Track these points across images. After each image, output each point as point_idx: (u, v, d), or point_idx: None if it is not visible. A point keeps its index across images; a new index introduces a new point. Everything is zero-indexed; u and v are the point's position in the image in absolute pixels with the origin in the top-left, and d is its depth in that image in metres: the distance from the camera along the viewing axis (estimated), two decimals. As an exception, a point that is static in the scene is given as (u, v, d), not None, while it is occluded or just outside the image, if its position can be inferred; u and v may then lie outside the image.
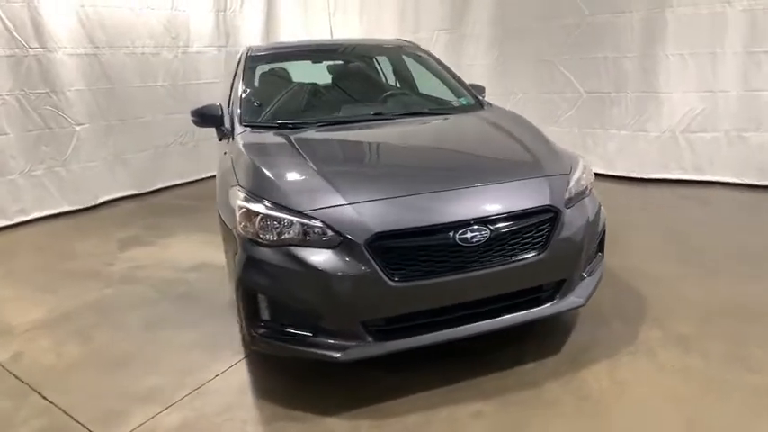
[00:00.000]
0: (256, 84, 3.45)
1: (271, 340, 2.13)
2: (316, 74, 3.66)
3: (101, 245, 4.30)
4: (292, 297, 2.03)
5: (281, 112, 3.12)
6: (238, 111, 3.06)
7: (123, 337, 2.86)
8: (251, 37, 6.79)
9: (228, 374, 2.42)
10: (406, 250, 2.00)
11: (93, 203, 5.30)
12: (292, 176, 2.31)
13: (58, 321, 3.06)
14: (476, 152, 2.65)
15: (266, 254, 2.05)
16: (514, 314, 2.18)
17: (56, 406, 2.27)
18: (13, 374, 2.54)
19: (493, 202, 2.13)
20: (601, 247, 2.51)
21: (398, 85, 3.79)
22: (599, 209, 2.44)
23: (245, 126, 2.91)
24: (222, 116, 3.18)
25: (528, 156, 2.46)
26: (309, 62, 3.74)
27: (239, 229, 2.14)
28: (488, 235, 2.04)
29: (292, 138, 2.69)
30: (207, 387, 2.33)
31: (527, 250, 2.13)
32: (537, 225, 2.15)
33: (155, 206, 5.42)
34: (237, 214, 2.17)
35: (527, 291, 2.20)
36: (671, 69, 4.70)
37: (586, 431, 1.95)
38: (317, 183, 2.20)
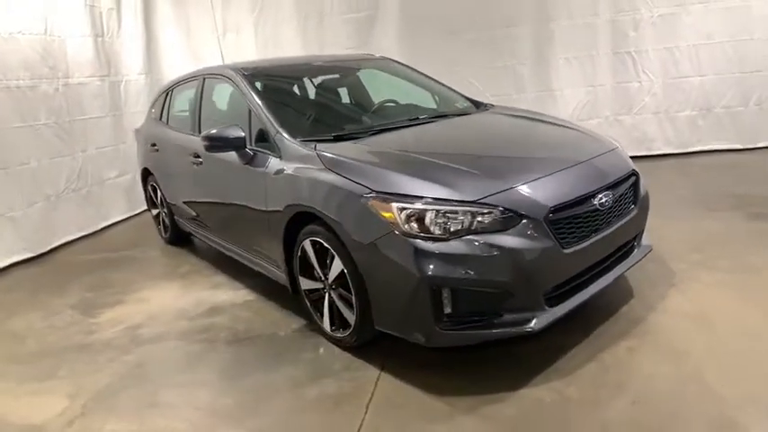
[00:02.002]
0: (276, 100, 3.29)
1: (456, 332, 2.17)
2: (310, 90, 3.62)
3: (49, 318, 3.51)
4: (483, 283, 2.10)
5: (323, 124, 3.03)
6: (278, 127, 2.90)
7: (218, 391, 2.49)
8: (133, 66, 6.13)
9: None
10: (568, 219, 2.24)
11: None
12: (432, 173, 2.33)
13: (99, 403, 2.49)
14: (549, 137, 2.98)
15: (449, 247, 2.09)
16: (624, 262, 2.58)
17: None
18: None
19: (604, 172, 2.50)
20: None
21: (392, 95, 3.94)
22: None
23: (302, 141, 2.80)
24: (245, 138, 2.98)
25: (587, 136, 2.91)
26: (305, 78, 3.66)
27: (404, 230, 2.14)
28: (612, 198, 2.41)
29: (373, 143, 2.72)
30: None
31: (630, 207, 2.57)
32: (630, 186, 2.60)
33: (72, 266, 4.55)
34: (399, 217, 2.16)
35: (629, 242, 2.64)
36: (560, 71, 5.71)
37: (712, 335, 2.43)
38: (464, 174, 2.30)
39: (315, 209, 2.51)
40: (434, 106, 3.64)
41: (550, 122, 3.17)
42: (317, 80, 3.69)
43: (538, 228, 2.15)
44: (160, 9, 6.53)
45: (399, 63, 4.07)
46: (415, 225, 2.14)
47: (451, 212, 2.13)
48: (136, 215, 6.02)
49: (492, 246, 2.10)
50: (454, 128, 3.12)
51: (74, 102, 5.31)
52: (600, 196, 2.35)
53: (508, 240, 2.11)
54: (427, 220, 2.13)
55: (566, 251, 2.20)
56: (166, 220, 4.66)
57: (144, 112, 6.15)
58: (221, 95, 3.81)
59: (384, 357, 2.55)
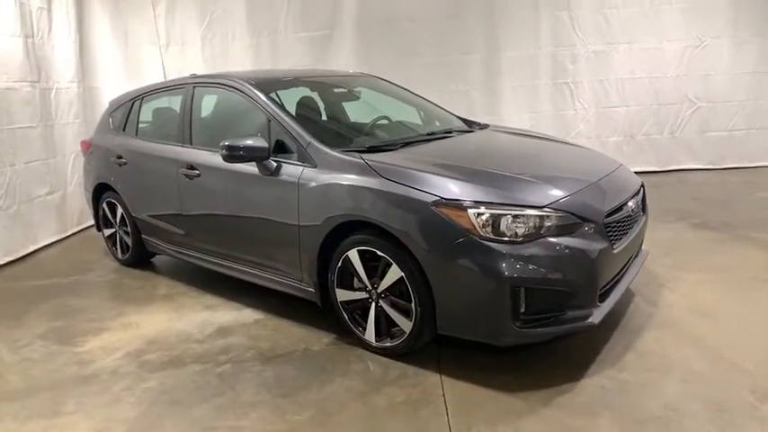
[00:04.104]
0: (298, 112, 3.22)
1: (530, 329, 2.29)
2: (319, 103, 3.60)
3: (19, 351, 3.06)
4: (555, 282, 2.24)
5: (348, 135, 3.03)
6: (311, 138, 2.87)
7: (279, 409, 2.33)
8: (65, 73, 5.57)
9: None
10: (614, 223, 2.48)
11: None
12: (495, 181, 2.46)
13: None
14: (567, 153, 3.23)
15: (526, 250, 2.22)
16: (635, 263, 2.89)
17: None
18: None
19: (627, 182, 2.81)
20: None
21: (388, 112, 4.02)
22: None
23: (343, 151, 2.79)
24: (268, 148, 2.91)
25: (595, 152, 3.24)
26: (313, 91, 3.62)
27: (481, 234, 2.23)
28: (635, 205, 2.72)
29: (414, 154, 2.81)
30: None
31: (641, 214, 2.90)
32: (642, 197, 2.94)
33: (16, 294, 3.99)
34: (476, 222, 2.25)
35: (640, 245, 2.97)
36: (507, 97, 6.20)
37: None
38: (525, 182, 2.46)
39: (370, 218, 2.51)
40: (443, 123, 3.77)
41: (555, 140, 3.47)
42: (323, 93, 3.68)
43: (597, 230, 2.36)
44: (94, 12, 6.03)
45: (386, 81, 4.18)
46: (491, 230, 2.25)
47: (524, 217, 2.27)
48: (66, 237, 5.42)
49: (563, 247, 2.27)
50: (475, 142, 3.29)
51: (2, 109, 4.71)
52: (630, 203, 2.65)
53: (575, 242, 2.30)
54: (503, 225, 2.25)
55: (614, 251, 2.44)
56: (126, 240, 4.28)
57: (75, 123, 5.63)
58: (220, 105, 3.65)
59: (434, 363, 2.59)
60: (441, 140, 3.18)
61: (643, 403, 2.21)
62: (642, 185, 2.99)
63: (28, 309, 3.63)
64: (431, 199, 2.36)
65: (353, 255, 2.64)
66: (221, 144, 2.94)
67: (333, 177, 2.69)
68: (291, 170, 2.87)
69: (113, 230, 4.41)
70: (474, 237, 2.25)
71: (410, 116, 3.83)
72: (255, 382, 2.58)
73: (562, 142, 3.48)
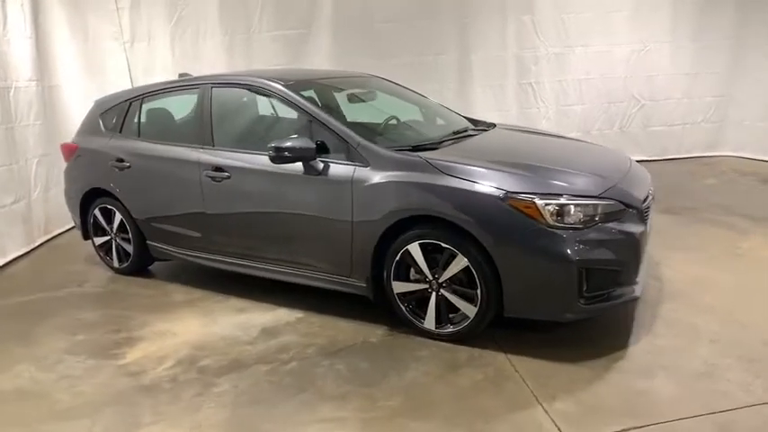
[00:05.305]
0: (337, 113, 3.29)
1: (591, 306, 2.57)
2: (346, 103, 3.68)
3: (51, 368, 2.93)
4: (612, 262, 2.54)
5: (390, 135, 3.16)
6: (360, 138, 2.98)
7: (369, 397, 2.45)
8: (22, 70, 5.16)
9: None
10: (644, 209, 2.83)
11: None
12: (551, 174, 2.72)
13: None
14: (587, 149, 3.57)
15: (589, 235, 2.50)
16: None
17: None
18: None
19: (644, 174, 3.17)
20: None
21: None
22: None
23: (398, 150, 2.93)
24: (315, 149, 2.99)
25: (608, 148, 3.62)
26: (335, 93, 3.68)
27: (550, 223, 2.48)
28: (652, 192, 3.10)
29: (460, 151, 3.03)
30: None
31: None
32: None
33: (9, 311, 3.74)
34: (544, 212, 2.49)
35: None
36: (478, 96, 6.54)
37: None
38: (575, 174, 2.75)
39: (439, 212, 2.68)
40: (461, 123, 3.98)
41: (566, 138, 3.83)
42: (345, 94, 3.76)
43: (638, 216, 2.70)
44: (51, 5, 5.61)
45: (389, 81, 4.33)
46: (557, 218, 2.50)
47: (584, 206, 2.55)
48: (34, 249, 5.05)
49: (615, 231, 2.58)
50: (504, 140, 3.55)
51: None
52: (650, 192, 3.02)
53: (623, 226, 2.61)
54: (567, 214, 2.51)
55: (647, 234, 2.80)
56: (125, 248, 4.10)
57: (37, 125, 5.24)
58: (244, 106, 3.62)
59: (493, 344, 2.81)
60: (471, 139, 3.39)
61: (686, 363, 2.57)
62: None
63: (32, 326, 3.42)
64: (499, 193, 2.57)
65: (414, 248, 2.79)
66: (269, 145, 2.97)
67: (391, 175, 2.82)
68: (342, 169, 2.97)
69: (107, 238, 4.20)
70: (542, 225, 2.50)
71: (419, 116, 4.02)
72: (331, 375, 2.66)
73: (573, 139, 3.83)
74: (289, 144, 2.94)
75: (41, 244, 5.17)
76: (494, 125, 3.96)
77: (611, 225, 2.58)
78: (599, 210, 2.57)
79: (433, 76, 6.38)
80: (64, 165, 5.53)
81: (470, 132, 3.55)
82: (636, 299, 2.69)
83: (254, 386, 2.63)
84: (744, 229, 4.33)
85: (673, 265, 3.72)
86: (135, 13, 5.89)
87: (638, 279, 2.76)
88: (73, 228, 5.56)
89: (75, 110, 5.79)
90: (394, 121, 3.61)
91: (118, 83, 5.84)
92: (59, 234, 5.47)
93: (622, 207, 2.65)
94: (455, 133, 3.47)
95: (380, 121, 3.56)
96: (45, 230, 5.32)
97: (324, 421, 2.33)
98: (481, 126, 3.89)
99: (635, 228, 2.66)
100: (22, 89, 5.14)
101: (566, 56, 6.60)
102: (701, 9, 6.63)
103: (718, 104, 6.94)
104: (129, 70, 6.00)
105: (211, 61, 6.03)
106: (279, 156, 2.95)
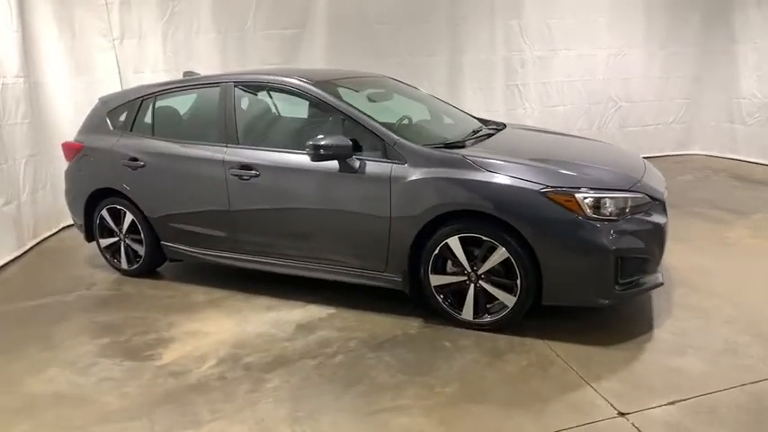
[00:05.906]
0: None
1: (624, 292, 2.76)
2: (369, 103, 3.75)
3: (86, 371, 2.89)
4: (644, 251, 2.75)
5: (419, 133, 3.27)
6: (396, 137, 3.07)
7: (425, 385, 2.55)
8: (9, 67, 4.95)
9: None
10: (664, 202, 3.06)
11: None
12: (584, 170, 2.91)
13: (308, 426, 2.33)
14: (602, 147, 3.76)
15: (623, 225, 2.70)
16: None
17: None
18: None
19: (656, 169, 3.42)
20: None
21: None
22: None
23: (434, 148, 3.04)
24: (351, 147, 3.07)
25: (621, 148, 3.85)
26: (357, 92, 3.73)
27: (588, 215, 2.65)
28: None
29: (491, 148, 3.18)
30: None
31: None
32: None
33: (18, 316, 3.63)
34: (583, 204, 2.66)
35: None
36: (469, 97, 6.72)
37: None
38: (605, 170, 2.95)
39: (481, 207, 2.80)
40: (457, 121, 4.11)
41: (576, 136, 4.04)
42: (365, 94, 3.83)
43: (662, 208, 2.92)
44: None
45: (401, 82, 4.44)
46: (594, 210, 2.68)
47: (617, 199, 2.74)
48: (25, 252, 4.87)
49: (645, 222, 2.78)
50: (524, 138, 3.74)
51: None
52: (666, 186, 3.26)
53: (651, 218, 2.82)
54: (603, 206, 2.69)
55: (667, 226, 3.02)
56: (135, 249, 4.03)
57: (24, 124, 5.04)
58: (271, 105, 3.63)
59: (531, 332, 2.96)
60: (492, 137, 3.53)
61: (710, 342, 2.81)
62: None
63: (49, 330, 3.35)
64: (538, 188, 2.72)
65: (454, 241, 2.91)
66: (307, 144, 3.03)
67: (431, 172, 2.93)
68: (379, 167, 3.05)
69: (115, 240, 4.11)
70: (581, 217, 2.67)
71: (434, 116, 4.13)
72: (381, 367, 2.74)
73: (586, 138, 4.06)
74: (326, 142, 2.99)
75: (31, 248, 4.98)
76: (504, 125, 4.13)
77: (640, 216, 2.78)
78: (629, 202, 2.77)
79: (424, 77, 6.50)
80: (51, 165, 5.40)
81: (488, 131, 3.69)
82: (661, 284, 2.91)
83: (306, 380, 2.67)
84: (728, 221, 4.68)
85: (674, 254, 3.93)
86: (125, 8, 5.72)
87: (658, 267, 2.98)
88: (60, 231, 5.42)
89: (62, 108, 5.60)
90: (406, 121, 3.71)
91: (106, 81, 5.69)
92: (47, 237, 5.27)
93: (649, 200, 2.85)
94: (474, 132, 3.61)
95: (394, 121, 3.67)
96: (34, 234, 5.13)
97: (387, 410, 2.40)
98: (492, 125, 4.04)
99: (660, 218, 2.87)
100: (9, 86, 4.94)
101: (549, 59, 6.88)
102: (671, 19, 7.12)
103: (688, 106, 7.42)
104: (119, 68, 5.83)
105: (204, 59, 5.94)
106: (317, 154, 3.01)
